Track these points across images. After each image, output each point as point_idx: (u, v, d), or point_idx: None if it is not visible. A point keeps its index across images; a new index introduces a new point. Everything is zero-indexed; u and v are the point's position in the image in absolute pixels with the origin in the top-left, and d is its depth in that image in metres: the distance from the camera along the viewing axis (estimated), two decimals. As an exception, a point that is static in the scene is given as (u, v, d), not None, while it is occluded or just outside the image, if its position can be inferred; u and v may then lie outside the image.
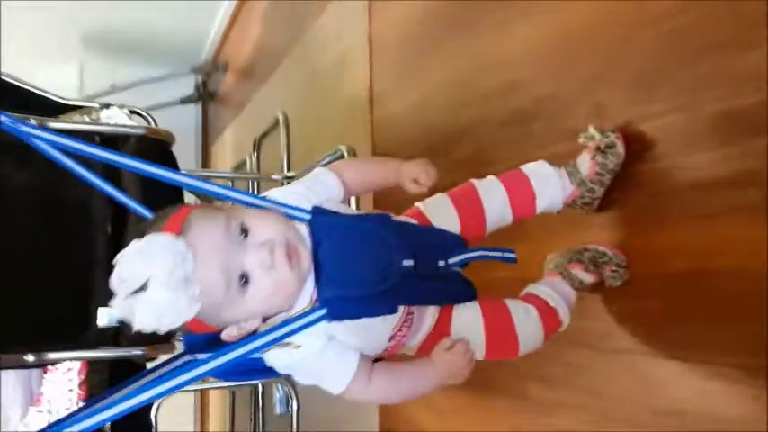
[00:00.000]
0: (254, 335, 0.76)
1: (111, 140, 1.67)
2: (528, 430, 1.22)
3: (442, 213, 0.96)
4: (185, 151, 4.36)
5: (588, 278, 1.02)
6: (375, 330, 0.84)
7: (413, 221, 0.96)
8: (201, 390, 3.81)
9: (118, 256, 0.68)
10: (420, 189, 0.91)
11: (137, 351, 1.57)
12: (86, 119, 1.96)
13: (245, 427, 2.91)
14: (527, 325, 0.94)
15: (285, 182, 2.37)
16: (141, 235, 0.70)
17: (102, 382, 1.92)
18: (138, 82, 3.67)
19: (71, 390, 1.99)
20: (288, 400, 2.36)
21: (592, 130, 1.01)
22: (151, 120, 2.59)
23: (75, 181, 1.67)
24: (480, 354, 0.90)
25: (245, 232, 0.74)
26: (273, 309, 0.78)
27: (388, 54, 1.87)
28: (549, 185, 1.00)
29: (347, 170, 0.91)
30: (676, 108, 0.94)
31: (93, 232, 1.60)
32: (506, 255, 0.98)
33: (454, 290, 0.93)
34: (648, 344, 0.97)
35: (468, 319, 0.91)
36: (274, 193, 0.85)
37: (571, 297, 1.02)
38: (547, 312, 0.97)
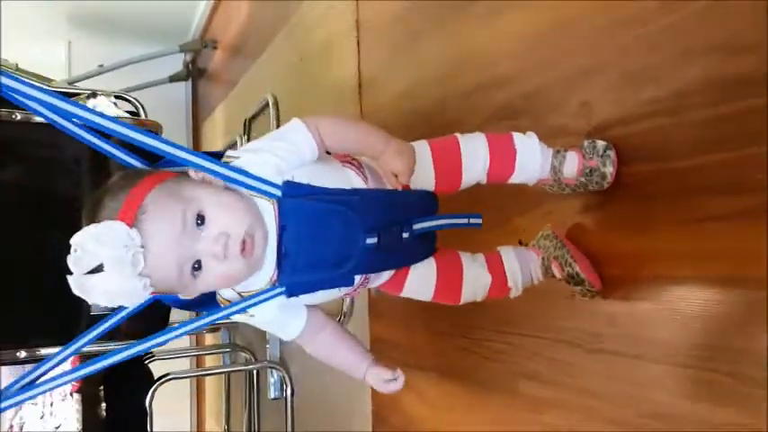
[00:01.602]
0: (215, 307, 0.84)
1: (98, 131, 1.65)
2: (516, 426, 1.23)
3: (418, 168, 0.94)
4: (176, 129, 4.36)
5: (560, 278, 1.03)
6: (328, 294, 0.90)
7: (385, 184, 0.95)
8: (197, 376, 3.85)
9: (76, 235, 0.70)
10: (396, 184, 0.90)
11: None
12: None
13: (241, 411, 2.93)
14: (474, 287, 1.03)
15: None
16: (97, 202, 0.72)
17: (96, 373, 1.92)
18: (126, 61, 3.61)
19: (65, 382, 1.99)
20: (282, 386, 2.38)
21: (599, 146, 0.98)
22: (139, 105, 2.55)
23: (63, 175, 1.66)
24: (427, 299, 1.02)
25: (201, 219, 0.74)
26: (225, 289, 0.83)
27: (376, 41, 1.85)
28: (531, 164, 1.01)
29: (327, 134, 0.85)
30: (666, 110, 0.93)
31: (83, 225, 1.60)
32: (472, 221, 1.01)
33: (413, 254, 0.98)
34: (636, 347, 0.98)
35: (423, 273, 1.01)
36: (246, 159, 0.81)
37: (535, 279, 1.06)
38: (499, 287, 1.04)
